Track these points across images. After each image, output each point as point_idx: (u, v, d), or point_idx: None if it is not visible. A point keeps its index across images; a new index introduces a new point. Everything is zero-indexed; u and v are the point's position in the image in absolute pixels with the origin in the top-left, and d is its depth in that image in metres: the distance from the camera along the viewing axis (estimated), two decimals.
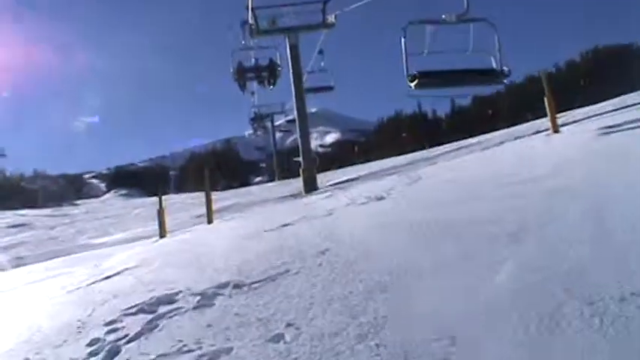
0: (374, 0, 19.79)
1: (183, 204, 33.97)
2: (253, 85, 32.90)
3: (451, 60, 11.82)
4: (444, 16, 11.28)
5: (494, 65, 11.78)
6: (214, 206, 21.39)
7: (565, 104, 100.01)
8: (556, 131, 14.53)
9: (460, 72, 11.66)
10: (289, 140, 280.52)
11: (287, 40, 21.19)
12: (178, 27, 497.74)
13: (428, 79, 11.32)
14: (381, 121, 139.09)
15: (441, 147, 49.79)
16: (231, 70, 26.18)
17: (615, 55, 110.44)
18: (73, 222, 34.49)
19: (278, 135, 68.57)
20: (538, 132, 17.72)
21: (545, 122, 20.69)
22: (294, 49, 21.19)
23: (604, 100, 35.18)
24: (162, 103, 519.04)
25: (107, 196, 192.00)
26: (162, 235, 16.04)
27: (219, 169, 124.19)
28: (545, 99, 14.74)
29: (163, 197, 62.98)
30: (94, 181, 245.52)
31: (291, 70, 21.50)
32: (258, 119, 63.83)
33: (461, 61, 11.73)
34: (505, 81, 12.72)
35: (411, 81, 11.09)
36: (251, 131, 79.57)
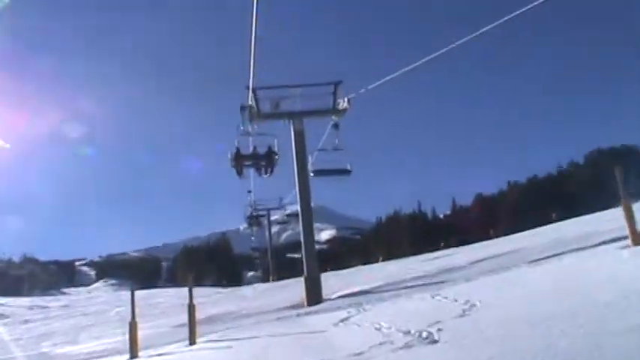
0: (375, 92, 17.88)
1: (168, 305, 30.76)
2: (250, 172, 30.74)
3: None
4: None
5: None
6: (201, 313, 18.42)
7: (582, 206, 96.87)
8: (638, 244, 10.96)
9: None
10: (285, 234, 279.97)
11: (291, 125, 18.44)
12: (175, 115, 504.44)
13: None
14: (379, 220, 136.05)
15: (460, 249, 46.82)
16: (229, 156, 25.71)
17: (619, 156, 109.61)
18: (46, 318, 31.54)
19: (274, 229, 65.70)
20: (603, 243, 14.35)
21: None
22: (299, 135, 18.49)
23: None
24: (157, 194, 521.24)
25: (96, 285, 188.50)
26: (132, 355, 12.87)
27: (212, 263, 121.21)
28: (622, 201, 11.51)
29: (151, 291, 59.85)
30: (85, 268, 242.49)
31: (294, 160, 18.63)
32: (254, 218, 63.15)
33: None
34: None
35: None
36: (245, 225, 76.91)
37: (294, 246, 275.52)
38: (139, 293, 57.38)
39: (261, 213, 60.71)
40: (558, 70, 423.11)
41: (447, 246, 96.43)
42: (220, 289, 58.67)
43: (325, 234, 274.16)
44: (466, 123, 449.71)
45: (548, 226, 46.96)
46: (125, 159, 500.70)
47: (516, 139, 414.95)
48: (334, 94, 18.41)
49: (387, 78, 16.65)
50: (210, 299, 30.65)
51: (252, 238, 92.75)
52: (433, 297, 10.25)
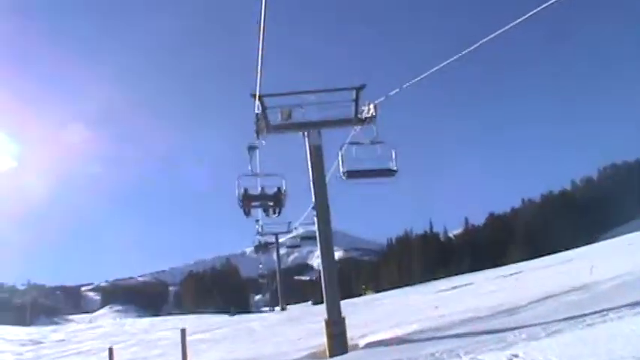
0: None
1: (169, 343, 27.77)
2: (258, 212, 29.51)
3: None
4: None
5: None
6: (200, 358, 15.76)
7: (597, 223, 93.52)
8: None
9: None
10: (292, 256, 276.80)
11: (306, 139, 15.47)
12: (180, 141, 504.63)
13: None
14: (389, 241, 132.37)
15: (477, 276, 44.31)
16: (237, 195, 23.86)
17: (633, 170, 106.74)
18: (37, 357, 28.61)
19: (282, 251, 62.94)
20: None
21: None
22: (315, 150, 15.51)
23: None
24: (163, 218, 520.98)
25: (101, 311, 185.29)
26: None
27: (218, 289, 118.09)
28: None
29: (153, 321, 57.03)
30: (91, 294, 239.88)
31: (311, 178, 15.66)
32: (262, 245, 61.86)
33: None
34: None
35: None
36: (252, 248, 74.90)
37: (302, 268, 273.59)
38: (140, 323, 54.84)
39: (269, 240, 58.46)
40: (571, 84, 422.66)
41: (460, 269, 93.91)
42: (227, 318, 55.80)
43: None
44: (478, 140, 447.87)
45: (584, 249, 44.05)
46: (131, 180, 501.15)
47: (529, 155, 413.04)
48: (356, 100, 15.51)
49: (419, 78, 13.87)
50: (214, 336, 27.68)
51: (260, 266, 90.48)
52: None
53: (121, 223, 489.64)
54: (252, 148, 23.55)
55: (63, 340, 37.63)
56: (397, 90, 14.65)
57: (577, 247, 65.89)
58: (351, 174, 16.35)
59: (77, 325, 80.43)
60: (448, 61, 13.69)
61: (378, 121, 16.00)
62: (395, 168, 16.60)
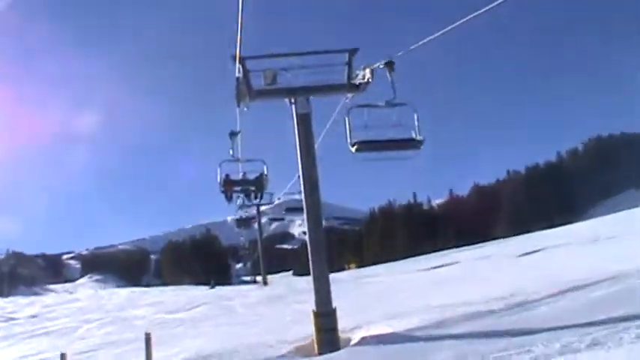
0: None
1: (146, 322, 26.18)
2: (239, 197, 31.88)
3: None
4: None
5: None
6: (175, 347, 14.29)
7: (582, 195, 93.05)
8: None
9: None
10: (275, 224, 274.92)
11: (293, 106, 13.51)
12: (163, 104, 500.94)
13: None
14: (372, 211, 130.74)
15: (466, 252, 43.19)
16: (218, 181, 25.17)
17: (621, 143, 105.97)
18: (6, 336, 26.92)
19: (263, 219, 61.25)
20: None
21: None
22: (303, 120, 13.49)
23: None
24: (145, 186, 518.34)
25: (81, 281, 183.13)
26: None
27: (198, 259, 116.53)
28: None
29: (131, 296, 55.41)
30: (72, 262, 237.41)
31: (298, 150, 13.60)
32: (243, 221, 61.29)
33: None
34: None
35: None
36: (233, 216, 73.69)
37: (283, 237, 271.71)
38: (118, 296, 53.23)
39: (251, 215, 57.39)
40: (557, 54, 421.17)
41: (446, 242, 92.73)
42: (206, 290, 54.44)
43: None
44: (464, 111, 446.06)
45: (583, 224, 42.75)
46: (113, 149, 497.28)
47: (515, 127, 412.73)
48: (349, 64, 13.60)
49: (430, 37, 11.96)
50: (193, 316, 26.03)
51: (242, 239, 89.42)
52: None
53: (103, 191, 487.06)
54: (233, 134, 24.72)
55: (35, 316, 35.98)
56: (401, 53, 12.86)
57: (569, 222, 65.04)
58: (363, 146, 13.31)
59: (55, 296, 78.75)
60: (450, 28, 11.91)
61: (394, 79, 13.42)
62: (420, 138, 13.52)
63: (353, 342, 12.32)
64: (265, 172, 25.06)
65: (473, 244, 63.37)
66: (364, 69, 13.35)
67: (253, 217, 56.80)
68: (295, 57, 13.64)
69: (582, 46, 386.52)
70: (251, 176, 26.78)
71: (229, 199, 26.86)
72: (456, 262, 37.27)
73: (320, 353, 12.06)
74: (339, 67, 13.67)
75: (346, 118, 13.25)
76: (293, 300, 27.29)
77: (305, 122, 13.45)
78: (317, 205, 13.70)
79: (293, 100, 13.41)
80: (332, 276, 13.96)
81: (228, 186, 25.03)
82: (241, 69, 13.14)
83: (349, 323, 13.79)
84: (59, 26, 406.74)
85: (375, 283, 29.24)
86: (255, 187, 26.35)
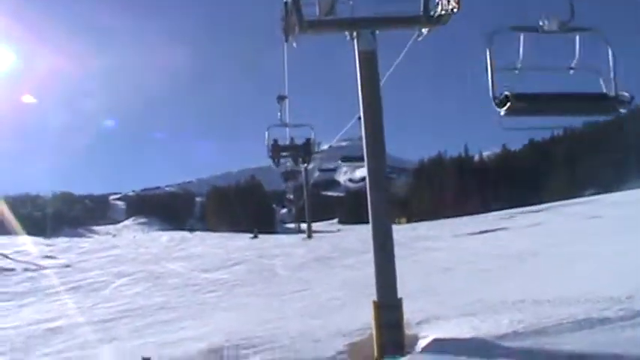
0: None
1: (181, 280, 24.19)
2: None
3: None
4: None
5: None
6: (204, 325, 12.02)
7: None
8: None
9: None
10: (319, 173, 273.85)
11: (355, 42, 10.56)
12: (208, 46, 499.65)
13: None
14: (422, 162, 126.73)
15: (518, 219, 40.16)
16: (266, 145, 26.40)
17: None
18: (31, 290, 24.90)
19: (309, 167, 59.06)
20: None
21: None
22: (368, 60, 10.49)
23: None
24: (193, 130, 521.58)
25: (125, 222, 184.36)
26: None
27: (244, 205, 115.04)
28: None
29: (175, 237, 54.02)
30: (119, 203, 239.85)
31: (360, 96, 10.49)
32: (289, 173, 61.30)
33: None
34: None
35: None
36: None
37: (328, 184, 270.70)
38: (159, 243, 51.96)
39: (295, 168, 56.01)
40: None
41: (496, 197, 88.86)
42: (249, 240, 53.07)
43: (360, 172, 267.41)
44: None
45: None
46: (162, 90, 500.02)
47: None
48: None
49: None
50: (227, 278, 23.67)
51: (287, 191, 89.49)
52: None
53: (150, 134, 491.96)
54: (281, 98, 25.88)
55: (69, 265, 34.27)
56: None
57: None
58: (522, 105, 8.19)
59: (95, 240, 77.91)
60: None
61: None
62: (624, 94, 8.31)
63: (423, 344, 9.61)
64: (313, 137, 25.85)
65: (531, 204, 59.25)
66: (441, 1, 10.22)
67: (299, 170, 54.64)
68: None
69: None
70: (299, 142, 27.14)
71: (277, 164, 27.71)
72: (536, 224, 33.75)
73: (380, 357, 9.43)
74: None
75: (487, 51, 8.15)
76: (340, 263, 24.86)
77: (369, 62, 10.48)
78: (381, 169, 10.75)
79: (355, 35, 10.52)
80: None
81: (276, 152, 25.88)
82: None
83: (414, 313, 10.99)
84: None
85: (436, 250, 26.11)
86: (302, 152, 26.89)
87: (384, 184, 10.86)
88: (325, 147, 54.07)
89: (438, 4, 10.21)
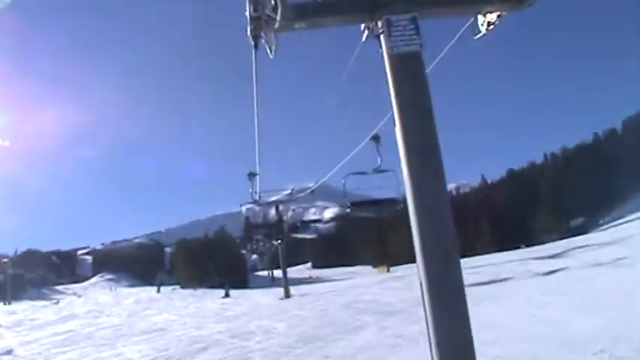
0: None
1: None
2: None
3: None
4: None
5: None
6: None
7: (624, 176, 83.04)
8: None
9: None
10: (290, 214, 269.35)
11: (381, 38, 5.63)
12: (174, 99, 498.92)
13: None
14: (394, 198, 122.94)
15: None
16: (241, 221, 34.41)
17: None
18: None
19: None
20: None
21: None
22: (409, 65, 5.50)
23: None
24: (158, 178, 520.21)
25: (93, 280, 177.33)
26: None
27: (211, 258, 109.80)
28: None
29: (142, 299, 48.64)
30: (87, 257, 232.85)
31: (397, 120, 5.34)
32: (260, 252, 60.70)
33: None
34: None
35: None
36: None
37: (297, 225, 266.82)
38: (122, 308, 46.55)
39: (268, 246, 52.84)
40: (594, 32, 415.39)
41: (477, 231, 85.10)
42: (220, 301, 48.63)
43: (329, 212, 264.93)
44: (496, 95, 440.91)
45: None
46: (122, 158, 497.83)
47: (548, 108, 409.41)
48: None
49: None
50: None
51: (261, 243, 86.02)
52: None
53: (115, 185, 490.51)
54: (252, 175, 26.78)
55: (10, 352, 29.33)
56: None
57: None
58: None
59: (59, 303, 73.36)
60: None
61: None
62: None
63: None
64: (282, 216, 25.34)
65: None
66: None
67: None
68: None
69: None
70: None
71: (250, 240, 30.67)
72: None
73: None
74: None
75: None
76: (336, 338, 19.62)
77: (414, 72, 5.42)
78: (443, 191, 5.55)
79: (380, 26, 5.42)
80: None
81: (249, 230, 26.17)
82: None
83: None
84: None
85: (497, 301, 20.85)
86: (275, 230, 29.16)
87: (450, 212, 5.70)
88: (289, 190, 49.67)
89: None
